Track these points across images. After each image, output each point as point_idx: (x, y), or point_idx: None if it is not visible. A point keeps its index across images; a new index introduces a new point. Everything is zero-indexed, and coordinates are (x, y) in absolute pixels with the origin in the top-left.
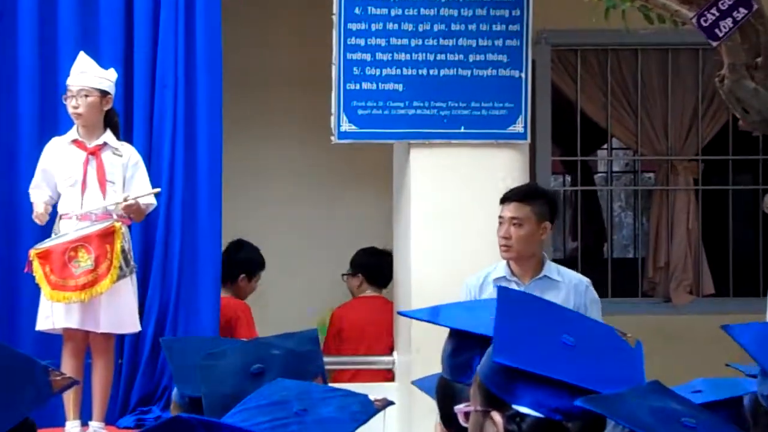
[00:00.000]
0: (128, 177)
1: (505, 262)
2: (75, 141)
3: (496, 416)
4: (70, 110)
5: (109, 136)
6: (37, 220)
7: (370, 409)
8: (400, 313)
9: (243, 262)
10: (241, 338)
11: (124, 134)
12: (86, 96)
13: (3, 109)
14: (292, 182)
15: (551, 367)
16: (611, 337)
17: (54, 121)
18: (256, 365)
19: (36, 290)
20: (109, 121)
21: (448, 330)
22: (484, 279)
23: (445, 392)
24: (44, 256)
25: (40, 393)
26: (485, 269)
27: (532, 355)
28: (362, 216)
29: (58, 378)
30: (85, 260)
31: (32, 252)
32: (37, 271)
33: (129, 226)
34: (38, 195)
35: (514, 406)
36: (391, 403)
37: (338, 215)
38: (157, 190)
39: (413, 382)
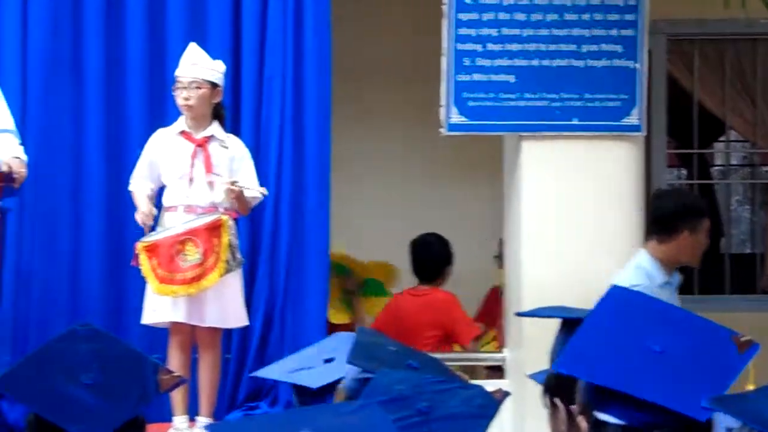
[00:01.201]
0: (235, 169)
1: (656, 266)
2: (183, 132)
3: (582, 422)
4: (180, 102)
5: (216, 128)
6: (139, 220)
7: (493, 401)
8: (518, 314)
9: (447, 256)
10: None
11: (232, 126)
12: (197, 88)
13: (112, 100)
14: (400, 175)
15: (623, 380)
16: (707, 340)
17: (162, 112)
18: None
19: (142, 283)
20: (216, 113)
21: (558, 324)
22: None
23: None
24: (151, 250)
25: (147, 392)
26: (641, 278)
27: (605, 367)
28: (471, 210)
29: (166, 377)
30: (192, 254)
31: (139, 245)
32: (144, 264)
33: (236, 220)
34: (140, 186)
35: (597, 414)
36: (508, 393)
37: (447, 209)
38: (264, 191)
39: (530, 376)
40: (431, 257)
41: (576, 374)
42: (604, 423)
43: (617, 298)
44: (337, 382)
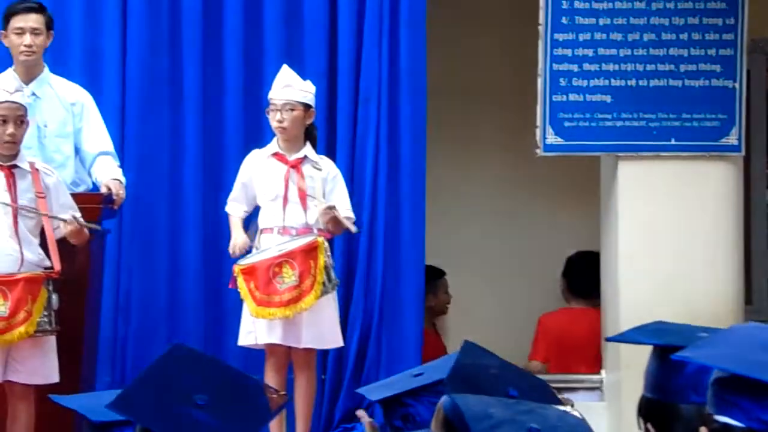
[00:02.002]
0: (328, 191)
1: None
2: (276, 154)
3: (702, 430)
4: (274, 124)
5: (309, 150)
6: (232, 252)
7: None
8: (609, 339)
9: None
10: None
11: (327, 148)
12: (291, 110)
13: (209, 121)
14: (494, 196)
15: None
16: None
17: (258, 134)
18: None
19: (238, 305)
20: (309, 135)
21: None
22: None
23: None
24: (249, 272)
25: (260, 413)
26: None
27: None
28: (567, 231)
29: (274, 396)
30: (289, 276)
31: (236, 268)
32: (242, 287)
33: (331, 241)
34: (235, 208)
35: (718, 418)
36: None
37: (543, 230)
38: (354, 226)
39: None
40: (595, 273)
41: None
42: (728, 428)
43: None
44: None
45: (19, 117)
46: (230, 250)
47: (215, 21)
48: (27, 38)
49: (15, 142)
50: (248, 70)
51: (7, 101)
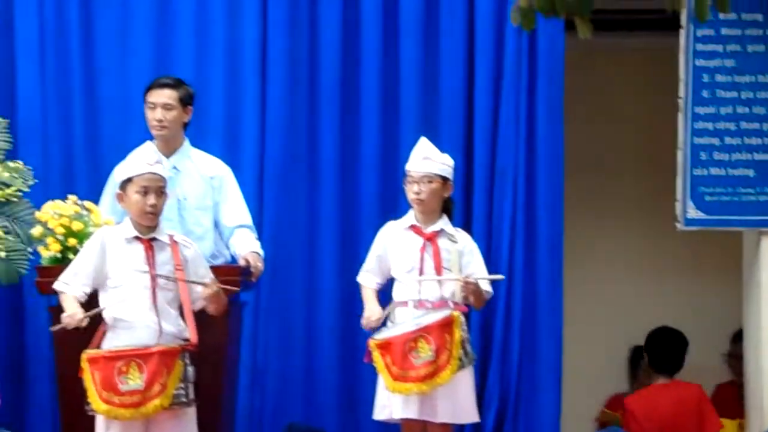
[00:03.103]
0: (464, 264)
1: None
2: (412, 226)
3: None
4: (411, 196)
5: (445, 222)
6: (365, 325)
7: None
8: None
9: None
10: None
11: (463, 220)
12: (429, 182)
13: (346, 195)
14: (632, 269)
15: None
16: None
17: (394, 206)
18: None
19: (374, 378)
20: (446, 207)
21: None
22: None
23: None
24: (384, 347)
25: None
26: None
27: None
28: (708, 309)
29: None
30: (425, 351)
31: (372, 342)
32: (378, 361)
33: (466, 315)
34: (369, 280)
35: None
36: None
37: (682, 306)
38: (501, 276)
39: None
40: (680, 347)
41: None
42: None
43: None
44: None
45: (160, 188)
46: (363, 323)
47: (353, 93)
48: (158, 113)
49: (156, 213)
50: (385, 142)
51: (148, 173)
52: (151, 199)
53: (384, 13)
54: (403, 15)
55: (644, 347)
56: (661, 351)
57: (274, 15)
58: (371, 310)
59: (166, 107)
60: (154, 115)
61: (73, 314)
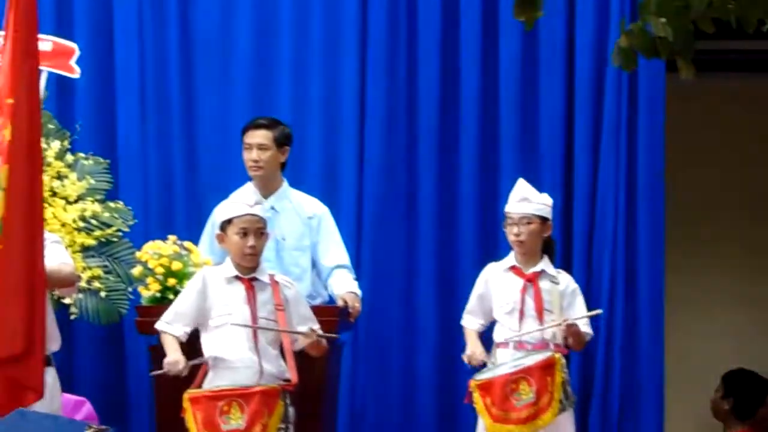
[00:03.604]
0: (566, 305)
1: None
2: (512, 268)
3: None
4: (511, 238)
5: (546, 264)
6: (467, 360)
7: None
8: None
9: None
10: None
11: (563, 261)
12: (528, 223)
13: (443, 235)
14: (740, 313)
15: None
16: None
17: (493, 248)
18: None
19: (473, 419)
20: (546, 248)
21: None
22: None
23: None
24: (485, 388)
25: None
26: None
27: None
28: None
29: None
30: (526, 393)
31: (473, 383)
32: (478, 402)
33: (566, 357)
34: (471, 321)
35: None
36: None
37: None
38: (599, 311)
39: None
40: (759, 393)
41: None
42: None
43: None
44: None
45: (259, 229)
46: (465, 360)
47: (451, 133)
48: (254, 153)
49: (255, 254)
50: (484, 182)
51: (247, 214)
52: (251, 241)
53: (482, 54)
54: (503, 56)
55: (724, 394)
56: (744, 396)
57: (373, 56)
58: (474, 349)
59: (262, 147)
60: (250, 156)
61: (175, 362)
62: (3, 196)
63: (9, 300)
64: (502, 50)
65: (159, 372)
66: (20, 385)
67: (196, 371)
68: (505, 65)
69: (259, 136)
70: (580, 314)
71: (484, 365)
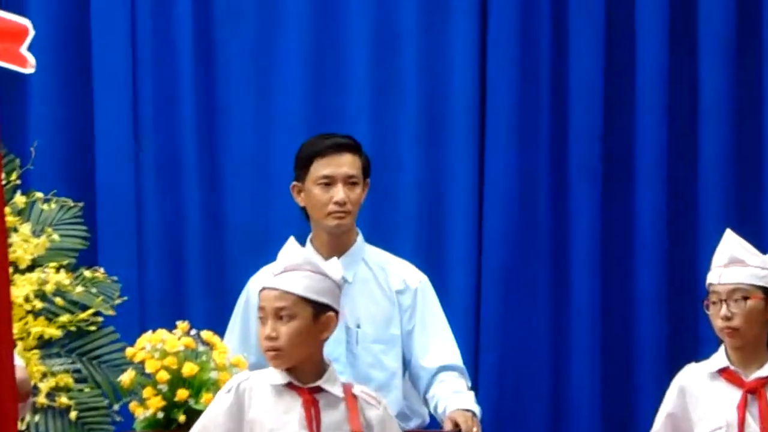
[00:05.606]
0: None
1: None
2: (724, 371)
3: None
4: (719, 324)
5: None
6: None
7: None
8: None
9: None
10: None
11: None
12: (744, 299)
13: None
14: None
15: None
16: None
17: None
18: None
19: None
20: None
21: None
22: None
23: None
24: None
25: None
26: None
27: None
28: None
29: None
30: None
31: None
32: None
33: None
34: None
35: None
36: None
37: None
38: None
39: None
40: None
41: None
42: None
43: None
44: None
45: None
46: None
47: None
48: (339, 192)
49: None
50: None
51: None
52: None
53: None
54: None
55: None
56: None
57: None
58: None
59: (350, 181)
60: (331, 195)
61: None
62: None
63: None
64: None
65: None
66: None
67: None
68: None
69: (346, 164)
70: None
71: None
